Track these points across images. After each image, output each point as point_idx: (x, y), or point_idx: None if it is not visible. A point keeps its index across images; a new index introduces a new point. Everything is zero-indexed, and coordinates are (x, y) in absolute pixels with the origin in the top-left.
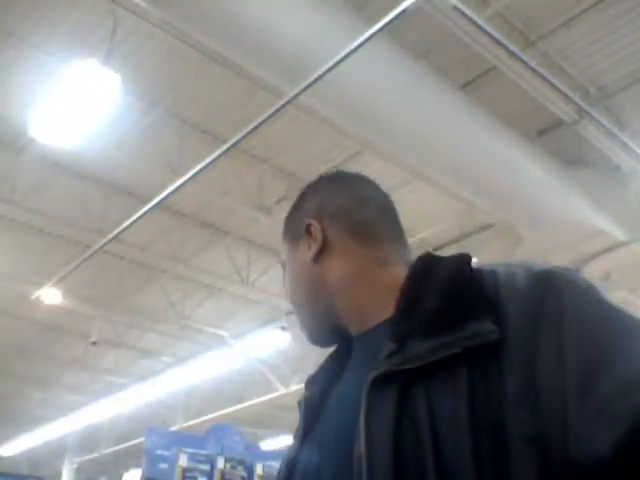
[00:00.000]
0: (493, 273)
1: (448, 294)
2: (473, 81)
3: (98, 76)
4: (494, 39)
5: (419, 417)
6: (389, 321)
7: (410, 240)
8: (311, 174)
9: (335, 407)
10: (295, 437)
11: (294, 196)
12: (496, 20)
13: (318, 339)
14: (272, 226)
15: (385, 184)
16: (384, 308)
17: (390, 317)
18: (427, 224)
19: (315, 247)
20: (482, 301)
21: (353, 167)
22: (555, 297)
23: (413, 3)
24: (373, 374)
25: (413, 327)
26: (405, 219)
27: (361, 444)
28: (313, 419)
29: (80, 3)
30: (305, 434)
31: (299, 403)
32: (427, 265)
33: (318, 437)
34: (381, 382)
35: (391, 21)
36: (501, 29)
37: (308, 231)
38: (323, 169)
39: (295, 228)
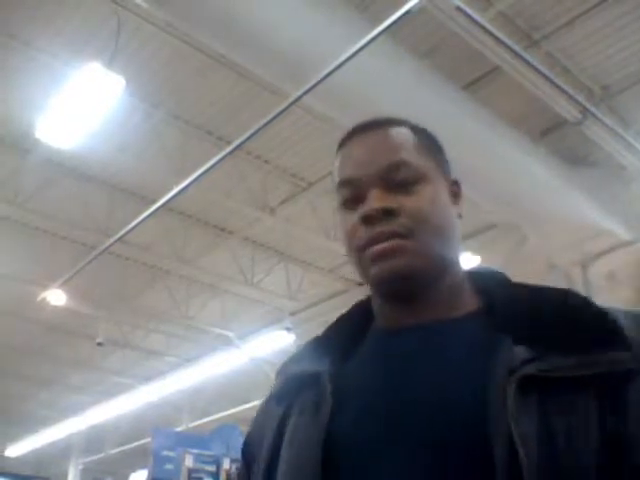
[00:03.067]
0: (612, 308)
1: (594, 312)
2: (477, 81)
3: (102, 78)
4: (497, 39)
5: (554, 427)
6: (481, 315)
7: None
8: (315, 174)
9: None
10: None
11: (297, 197)
12: (499, 20)
13: (415, 276)
14: (276, 226)
15: None
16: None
17: (477, 310)
18: None
19: (460, 206)
20: (619, 331)
21: None
22: None
23: (417, 4)
24: (522, 374)
25: (548, 339)
26: None
27: (519, 447)
28: (339, 400)
29: (83, 5)
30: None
31: (288, 377)
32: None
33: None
34: (523, 385)
35: (395, 22)
36: (504, 29)
37: (457, 185)
38: (328, 169)
39: (445, 165)
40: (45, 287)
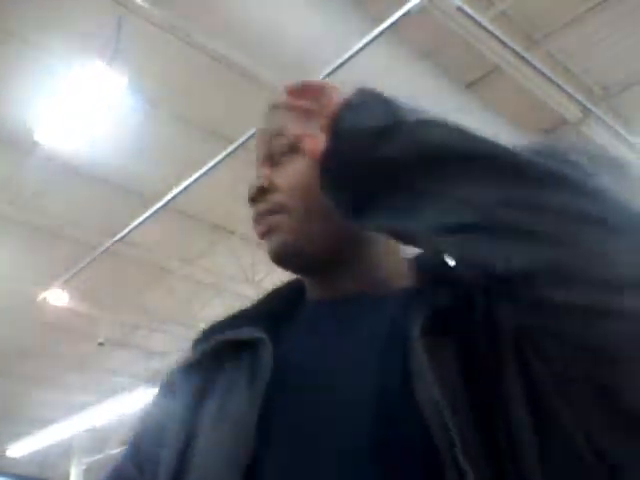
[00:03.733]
0: None
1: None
2: (478, 81)
3: (104, 78)
4: (498, 39)
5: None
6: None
7: None
8: None
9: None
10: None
11: None
12: (500, 20)
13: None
14: None
15: None
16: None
17: (410, 287)
18: None
19: None
20: None
21: None
22: None
23: (417, 4)
24: (422, 314)
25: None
26: None
27: (433, 392)
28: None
29: (84, 5)
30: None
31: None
32: None
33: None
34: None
35: (395, 22)
36: (505, 28)
37: None
38: None
39: None
40: (46, 287)
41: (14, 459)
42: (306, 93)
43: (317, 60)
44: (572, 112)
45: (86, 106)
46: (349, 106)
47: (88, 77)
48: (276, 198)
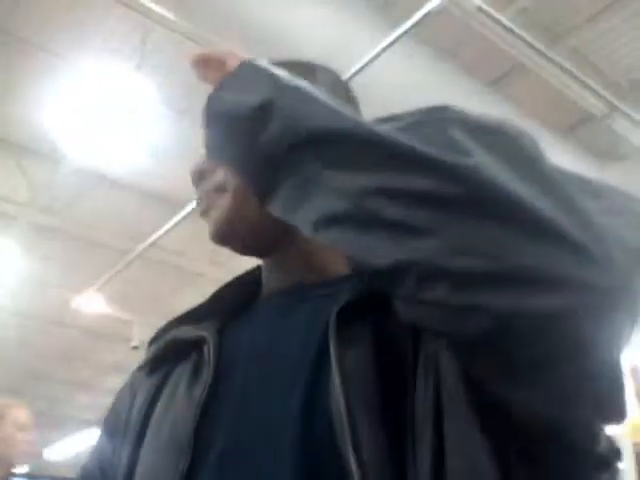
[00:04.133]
0: None
1: None
2: (501, 78)
3: (131, 87)
4: (519, 37)
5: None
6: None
7: None
8: None
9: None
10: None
11: None
12: (522, 16)
13: None
14: None
15: None
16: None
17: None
18: None
19: None
20: None
21: None
22: None
23: (437, 5)
24: (338, 305)
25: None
26: None
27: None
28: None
29: (110, 15)
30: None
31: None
32: None
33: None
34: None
35: (416, 23)
36: (528, 24)
37: None
38: None
39: None
40: (81, 293)
41: (53, 462)
42: (211, 63)
43: (338, 64)
44: (598, 107)
45: (116, 116)
46: (225, 83)
47: (117, 87)
48: (214, 182)
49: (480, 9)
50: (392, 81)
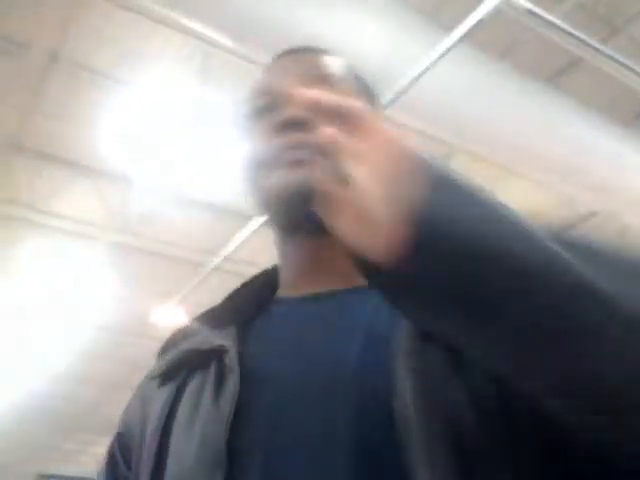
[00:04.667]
0: None
1: None
2: (560, 73)
3: (196, 107)
4: (573, 35)
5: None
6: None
7: None
8: None
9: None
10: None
11: None
12: (578, 9)
13: None
14: None
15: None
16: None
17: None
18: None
19: None
20: None
21: None
22: None
23: (488, 12)
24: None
25: None
26: None
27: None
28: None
29: (171, 41)
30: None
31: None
32: None
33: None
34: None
35: (467, 32)
36: (584, 17)
37: None
38: None
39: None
40: (159, 305)
41: None
42: (333, 114)
43: (391, 74)
44: None
45: (183, 136)
46: (433, 187)
47: (182, 109)
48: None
49: (531, 12)
50: (446, 87)
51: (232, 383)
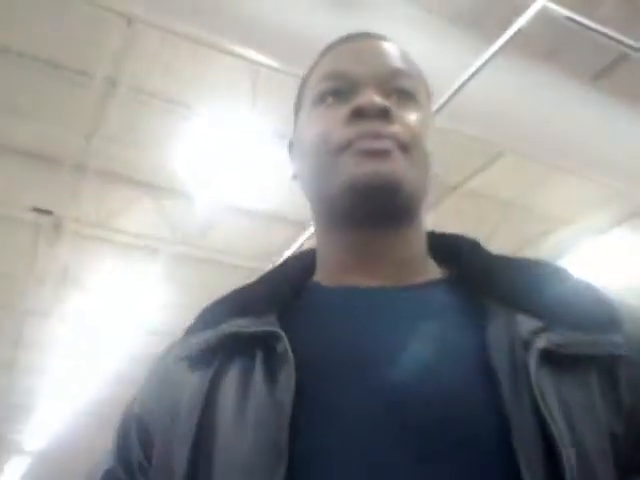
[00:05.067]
0: (610, 294)
1: (594, 294)
2: (605, 71)
3: (249, 128)
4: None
5: (567, 402)
6: (451, 284)
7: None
8: (455, 178)
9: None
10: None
11: (441, 200)
12: (622, 6)
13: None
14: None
15: (526, 180)
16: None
17: (444, 279)
18: (579, 214)
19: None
20: (617, 318)
21: (494, 169)
22: None
23: (527, 22)
24: (539, 347)
25: (552, 313)
26: (557, 210)
27: (550, 421)
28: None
29: (224, 67)
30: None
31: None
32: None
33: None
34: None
35: (508, 40)
36: (629, 11)
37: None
38: (466, 173)
39: (430, 102)
40: None
41: None
42: None
43: (437, 85)
44: None
45: (240, 154)
46: None
47: (236, 128)
48: (402, 134)
49: (569, 19)
50: (490, 96)
51: (287, 373)
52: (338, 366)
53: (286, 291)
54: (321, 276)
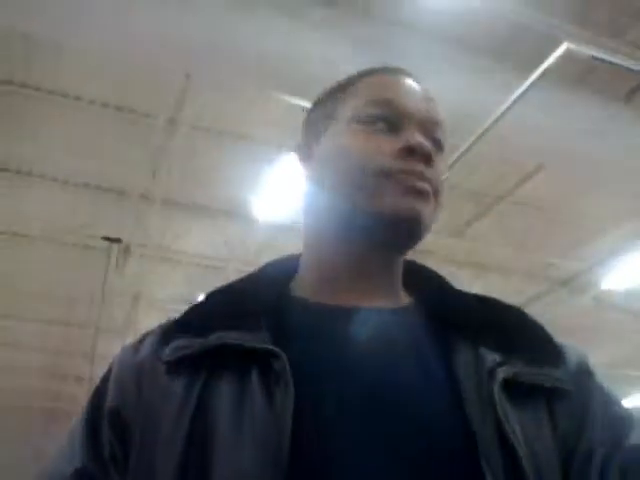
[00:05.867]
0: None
1: (544, 333)
2: (634, 92)
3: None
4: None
5: (527, 428)
6: (417, 310)
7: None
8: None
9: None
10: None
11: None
12: None
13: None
14: (467, 247)
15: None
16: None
17: (411, 305)
18: (614, 224)
19: None
20: (563, 355)
21: (528, 186)
22: (591, 366)
23: (553, 62)
24: (502, 377)
25: (510, 348)
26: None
27: (516, 443)
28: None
29: (270, 109)
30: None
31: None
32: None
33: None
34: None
35: (538, 76)
36: None
37: None
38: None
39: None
40: None
41: None
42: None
43: (473, 118)
44: None
45: (293, 182)
46: None
47: (289, 161)
48: (435, 181)
49: (595, 58)
50: (526, 122)
51: (286, 392)
52: (337, 389)
53: (272, 302)
54: (309, 291)
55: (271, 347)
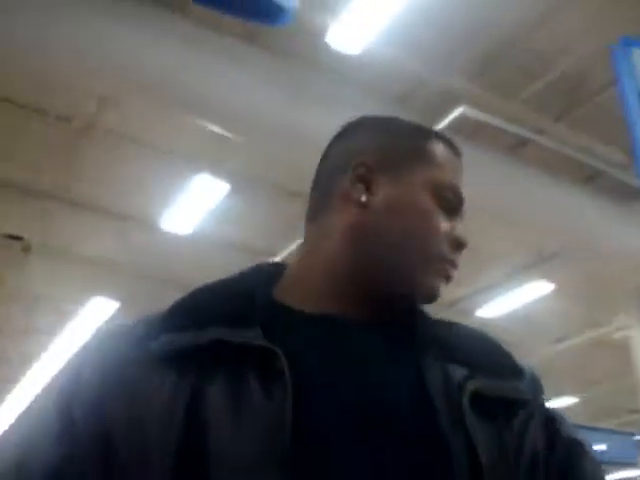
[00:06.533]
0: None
1: (504, 351)
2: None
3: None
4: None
5: (492, 438)
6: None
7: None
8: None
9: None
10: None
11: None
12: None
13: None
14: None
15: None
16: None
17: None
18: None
19: None
20: (520, 368)
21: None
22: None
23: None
24: (470, 389)
25: (474, 363)
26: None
27: (481, 453)
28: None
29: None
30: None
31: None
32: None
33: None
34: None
35: None
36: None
37: None
38: None
39: None
40: None
41: None
42: None
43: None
44: None
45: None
46: None
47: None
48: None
49: (487, 124)
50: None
51: (285, 391)
52: (331, 391)
53: (260, 304)
54: (295, 298)
55: (268, 345)
